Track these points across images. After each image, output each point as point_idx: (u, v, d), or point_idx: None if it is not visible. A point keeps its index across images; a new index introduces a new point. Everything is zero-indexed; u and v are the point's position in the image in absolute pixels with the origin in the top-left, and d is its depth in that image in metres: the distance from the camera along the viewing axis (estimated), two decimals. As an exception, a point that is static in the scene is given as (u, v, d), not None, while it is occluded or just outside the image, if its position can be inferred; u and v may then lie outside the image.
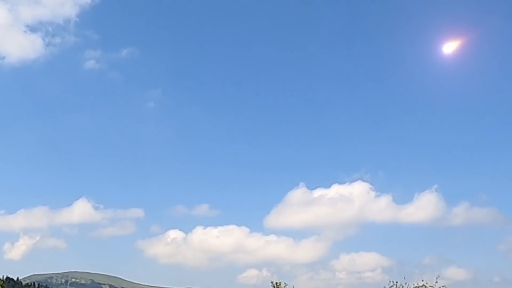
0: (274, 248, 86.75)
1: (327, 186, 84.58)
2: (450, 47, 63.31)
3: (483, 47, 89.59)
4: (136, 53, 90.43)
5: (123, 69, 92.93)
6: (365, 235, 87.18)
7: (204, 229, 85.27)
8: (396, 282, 34.82)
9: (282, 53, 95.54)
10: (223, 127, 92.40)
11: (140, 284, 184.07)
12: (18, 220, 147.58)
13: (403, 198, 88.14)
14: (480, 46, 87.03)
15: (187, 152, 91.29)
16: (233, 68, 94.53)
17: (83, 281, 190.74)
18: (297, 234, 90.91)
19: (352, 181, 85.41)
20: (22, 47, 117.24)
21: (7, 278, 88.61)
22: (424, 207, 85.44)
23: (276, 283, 37.46)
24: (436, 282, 34.50)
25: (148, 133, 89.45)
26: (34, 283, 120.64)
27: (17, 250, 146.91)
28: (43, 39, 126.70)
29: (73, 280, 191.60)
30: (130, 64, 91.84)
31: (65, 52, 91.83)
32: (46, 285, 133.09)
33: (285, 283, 37.31)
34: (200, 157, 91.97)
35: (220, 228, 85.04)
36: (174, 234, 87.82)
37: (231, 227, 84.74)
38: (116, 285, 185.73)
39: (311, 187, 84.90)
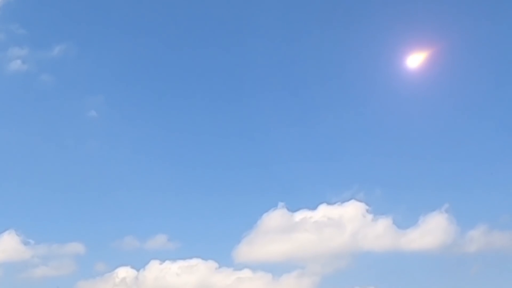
0: (248, 286, 62.61)
1: (313, 207, 61.05)
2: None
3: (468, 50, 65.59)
4: (72, 51, 67.15)
5: (57, 70, 70.59)
6: (360, 267, 64.02)
7: (160, 264, 61.00)
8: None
9: (258, 48, 71.96)
10: (181, 141, 69.71)
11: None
12: None
13: (406, 221, 67.78)
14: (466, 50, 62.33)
15: (137, 173, 68.24)
16: (192, 70, 71.41)
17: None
18: (277, 268, 70.56)
19: (343, 200, 62.14)
20: None
21: None
22: (432, 231, 62.23)
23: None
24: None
25: (89, 150, 66.25)
26: None
27: None
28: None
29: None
30: (65, 64, 68.68)
31: (-17, 51, 67.59)
32: None
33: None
34: (154, 178, 67.32)
35: (181, 263, 61.14)
36: (125, 272, 63.73)
37: (195, 261, 61.22)
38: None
39: (293, 208, 62.22)
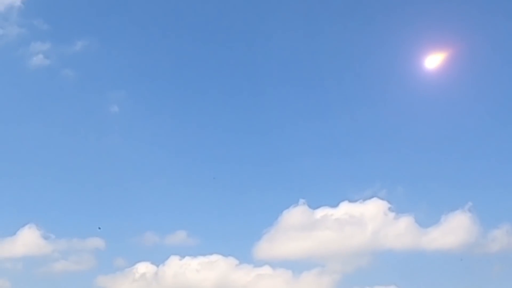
0: (268, 283, 62.87)
1: (334, 204, 60.90)
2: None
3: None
4: (94, 46, 67.67)
5: (79, 65, 70.91)
6: (380, 265, 63.73)
7: (180, 260, 61.27)
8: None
9: (275, 46, 72.20)
10: (202, 137, 69.89)
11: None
12: None
13: (428, 219, 67.08)
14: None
15: (158, 168, 68.38)
16: (213, 65, 71.68)
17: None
18: (297, 266, 70.05)
19: (365, 198, 62.04)
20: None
21: None
22: (454, 230, 61.59)
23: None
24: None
25: (110, 145, 66.77)
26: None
27: None
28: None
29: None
30: (87, 59, 69.19)
31: (6, 46, 68.32)
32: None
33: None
34: (175, 174, 67.75)
35: (201, 259, 61.45)
36: (144, 267, 64.29)
37: (215, 257, 61.38)
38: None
39: (313, 205, 62.31)
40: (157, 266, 61.35)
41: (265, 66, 72.12)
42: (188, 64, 74.06)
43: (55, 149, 70.69)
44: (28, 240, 62.83)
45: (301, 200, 61.33)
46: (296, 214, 62.01)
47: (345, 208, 60.88)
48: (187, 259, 61.54)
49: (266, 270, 60.03)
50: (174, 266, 61.71)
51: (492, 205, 61.58)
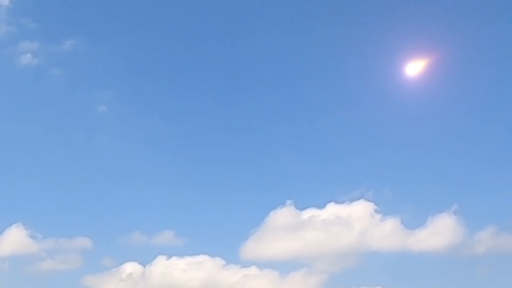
0: (255, 283, 62.97)
1: (321, 206, 61.38)
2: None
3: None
4: (83, 45, 67.71)
5: (67, 65, 70.86)
6: (367, 266, 64.15)
7: (167, 260, 61.38)
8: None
9: (266, 46, 72.88)
10: (189, 137, 70.18)
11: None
12: None
13: (414, 221, 67.62)
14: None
15: (145, 168, 68.60)
16: (200, 65, 71.83)
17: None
18: (284, 266, 70.32)
19: (352, 200, 62.71)
20: None
21: None
22: (440, 232, 62.00)
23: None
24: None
25: (98, 144, 66.92)
26: None
27: None
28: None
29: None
30: (75, 58, 69.27)
31: (-6, 45, 68.24)
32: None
33: None
34: (162, 174, 68.22)
35: (188, 259, 61.64)
36: (131, 267, 64.36)
37: (202, 258, 61.60)
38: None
39: (301, 206, 63.01)
40: (144, 266, 61.35)
41: (254, 67, 72.24)
42: (175, 64, 74.18)
43: (43, 148, 70.58)
44: (15, 239, 62.69)
45: (288, 201, 61.52)
46: (283, 215, 62.17)
47: (332, 209, 61.13)
48: (174, 259, 61.58)
49: (253, 270, 60.16)
50: (161, 266, 61.76)
51: (477, 207, 62.12)
